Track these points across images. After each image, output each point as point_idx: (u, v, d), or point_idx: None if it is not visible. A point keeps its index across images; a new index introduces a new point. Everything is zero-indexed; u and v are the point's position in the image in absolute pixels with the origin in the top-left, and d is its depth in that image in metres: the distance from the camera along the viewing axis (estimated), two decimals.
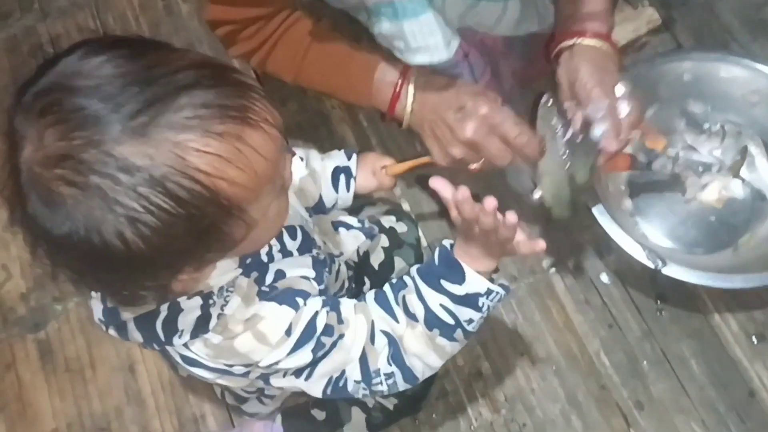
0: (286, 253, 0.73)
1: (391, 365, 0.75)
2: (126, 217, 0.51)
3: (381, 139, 1.30)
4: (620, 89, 0.88)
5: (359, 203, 1.15)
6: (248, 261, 0.69)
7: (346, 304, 0.76)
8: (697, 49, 1.20)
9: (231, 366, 0.69)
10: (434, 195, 0.85)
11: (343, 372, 0.74)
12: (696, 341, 1.11)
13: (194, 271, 0.60)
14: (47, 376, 1.23)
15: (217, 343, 0.67)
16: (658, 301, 1.14)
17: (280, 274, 0.71)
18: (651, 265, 1.01)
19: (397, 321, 0.75)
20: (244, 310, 0.67)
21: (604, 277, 1.16)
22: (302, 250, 0.76)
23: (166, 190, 0.51)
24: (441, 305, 0.73)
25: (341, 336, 0.73)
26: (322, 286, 0.76)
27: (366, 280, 1.07)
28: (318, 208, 0.92)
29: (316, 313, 0.71)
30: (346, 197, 1.00)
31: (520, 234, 0.74)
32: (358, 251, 1.06)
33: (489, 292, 0.74)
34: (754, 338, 1.10)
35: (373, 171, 1.00)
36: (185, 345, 0.67)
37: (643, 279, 1.15)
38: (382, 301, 0.77)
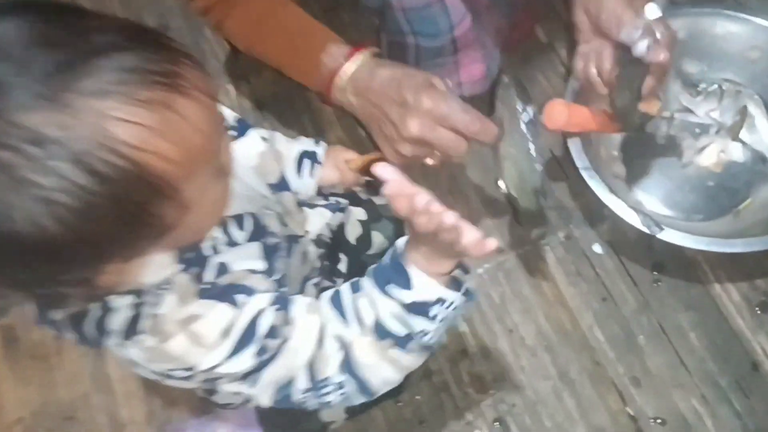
0: (232, 244, 0.66)
1: (342, 374, 0.66)
2: (39, 198, 0.44)
3: None
4: (652, 10, 0.85)
5: None
6: (189, 256, 0.61)
7: (298, 303, 0.67)
8: (691, 4, 1.13)
9: (171, 370, 0.62)
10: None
11: (290, 379, 0.66)
12: (695, 312, 1.04)
13: (123, 262, 0.52)
14: (11, 364, 1.16)
15: (151, 346, 0.60)
16: (655, 272, 1.07)
17: (223, 269, 0.64)
18: (647, 231, 0.95)
19: (349, 327, 0.66)
20: (179, 309, 0.60)
21: (597, 248, 1.10)
22: (252, 239, 0.68)
23: (85, 166, 0.44)
24: (391, 313, 0.64)
25: (287, 339, 0.65)
26: (277, 276, 0.68)
27: (342, 256, 1.01)
28: (281, 186, 0.83)
29: (260, 311, 0.62)
30: (308, 184, 0.91)
31: (470, 233, 0.61)
32: (330, 227, 0.99)
33: (441, 300, 0.64)
34: (757, 308, 1.04)
35: (336, 164, 0.92)
36: (121, 347, 0.61)
37: (639, 248, 1.08)
38: (336, 303, 0.67)
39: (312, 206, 0.89)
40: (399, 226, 1.06)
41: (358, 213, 1.02)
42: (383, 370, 0.66)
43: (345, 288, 0.68)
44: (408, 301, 0.63)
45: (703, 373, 1.01)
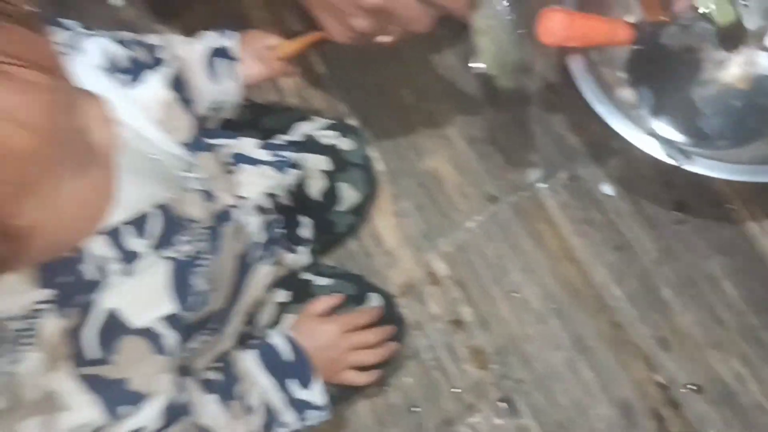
0: (129, 259, 0.49)
1: None
2: None
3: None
4: None
5: (289, 119, 0.90)
6: (64, 279, 0.44)
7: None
8: None
9: None
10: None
11: None
12: (729, 257, 0.89)
13: None
14: None
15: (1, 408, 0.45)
16: (677, 212, 0.91)
17: (114, 323, 0.48)
18: (671, 162, 0.78)
19: (228, 417, 0.64)
20: (43, 376, 0.45)
21: (606, 188, 0.93)
22: (160, 245, 0.51)
23: None
24: (275, 400, 0.69)
25: None
26: (193, 307, 0.54)
27: (303, 219, 0.84)
28: (197, 144, 0.62)
29: (143, 429, 0.52)
30: (232, 90, 0.75)
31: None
32: (284, 188, 0.81)
33: (322, 407, 0.72)
34: None
35: (258, 54, 0.76)
36: None
37: (656, 185, 0.92)
38: (220, 392, 0.64)
39: (253, 162, 0.70)
40: (369, 172, 0.89)
41: (320, 162, 0.84)
42: None
43: (226, 374, 0.66)
44: (298, 397, 0.70)
45: (743, 329, 0.86)
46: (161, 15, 1.09)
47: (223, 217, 0.62)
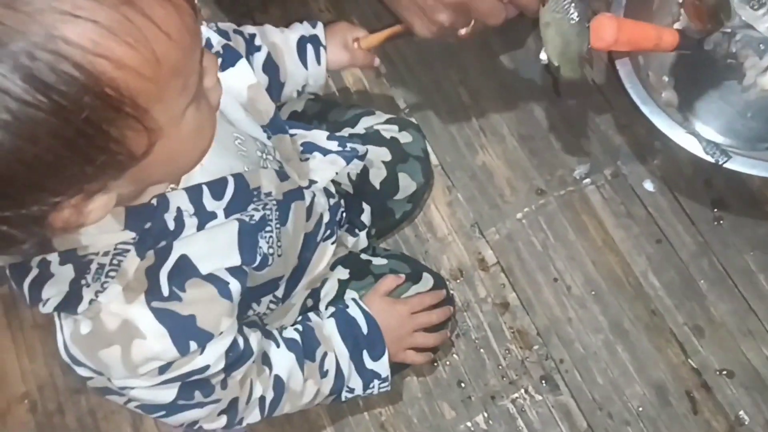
0: (204, 216, 0.55)
1: (258, 414, 0.70)
2: None
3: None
4: None
5: (354, 113, 0.98)
6: (148, 226, 0.51)
7: (251, 359, 0.66)
8: None
9: (89, 369, 0.56)
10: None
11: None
12: (763, 253, 0.93)
13: (82, 200, 0.41)
14: (14, 335, 1.08)
15: (86, 333, 0.53)
16: (716, 209, 0.96)
17: (185, 267, 0.54)
18: (711, 160, 0.83)
19: (304, 376, 0.73)
20: (122, 305, 0.52)
21: (648, 185, 0.98)
22: (232, 209, 0.58)
23: (20, 71, 0.34)
24: (349, 369, 0.77)
25: (217, 401, 0.63)
26: (256, 263, 0.60)
27: (364, 206, 0.91)
28: (276, 127, 0.69)
29: (206, 366, 0.58)
30: (317, 73, 0.84)
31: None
32: (349, 176, 0.89)
33: (386, 378, 0.80)
34: None
35: (344, 43, 0.85)
36: (55, 315, 0.54)
37: (696, 183, 0.97)
38: (296, 351, 0.73)
39: (325, 152, 0.78)
40: (426, 164, 0.96)
41: (382, 153, 0.92)
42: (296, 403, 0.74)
43: (299, 337, 0.74)
44: (369, 368, 0.78)
45: None
46: (236, 15, 1.18)
47: (294, 195, 0.69)
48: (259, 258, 0.59)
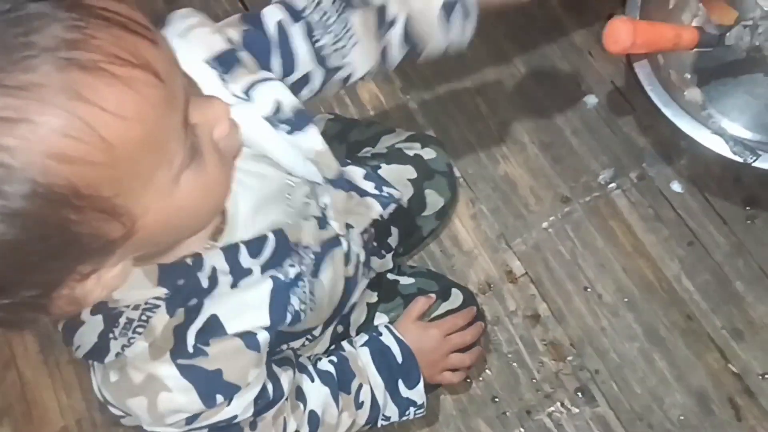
0: (239, 274, 0.54)
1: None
2: None
3: None
4: None
5: (374, 132, 0.97)
6: (181, 282, 0.51)
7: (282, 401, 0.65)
8: None
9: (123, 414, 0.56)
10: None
11: None
12: None
13: (76, 283, 0.40)
14: (50, 370, 1.09)
15: (114, 381, 0.53)
16: (748, 207, 0.93)
17: (214, 325, 0.53)
18: (738, 159, 0.81)
19: (339, 409, 0.72)
20: (147, 362, 0.52)
21: (676, 186, 0.96)
22: (269, 265, 0.57)
23: None
24: (384, 399, 0.77)
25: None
26: (287, 322, 0.59)
27: (392, 229, 0.90)
28: (338, 182, 0.65)
29: (234, 417, 0.58)
30: (461, 42, 0.69)
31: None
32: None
33: (422, 405, 0.80)
34: None
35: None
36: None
37: (726, 182, 0.94)
38: (331, 385, 0.73)
39: (362, 194, 0.73)
40: (452, 179, 0.95)
41: (407, 171, 0.91)
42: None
43: (333, 369, 0.74)
44: (405, 396, 0.79)
45: None
46: None
47: (332, 243, 0.66)
48: (290, 316, 0.58)
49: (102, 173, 0.35)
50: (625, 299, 0.92)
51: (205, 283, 0.52)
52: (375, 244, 0.83)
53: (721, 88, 0.96)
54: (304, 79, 0.65)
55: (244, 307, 0.55)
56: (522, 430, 0.90)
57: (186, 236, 0.49)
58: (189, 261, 0.51)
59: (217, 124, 0.45)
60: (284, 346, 0.70)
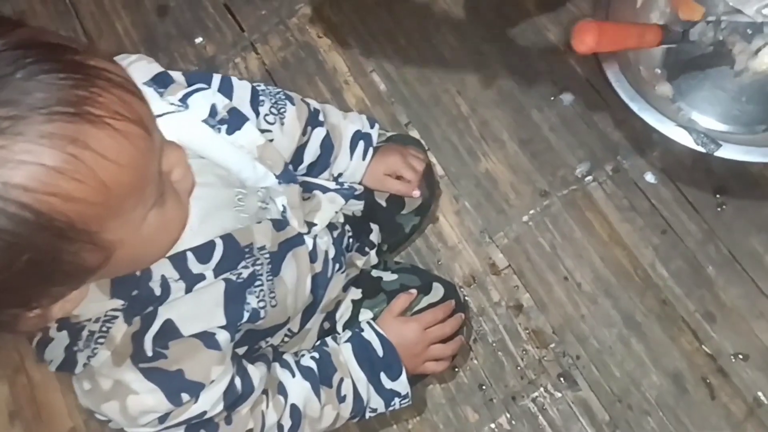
0: (191, 280, 0.59)
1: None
2: None
3: (378, 65, 1.15)
4: None
5: None
6: (135, 293, 0.55)
7: (253, 395, 0.68)
8: None
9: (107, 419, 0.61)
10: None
11: None
12: None
13: (47, 304, 0.46)
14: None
15: (87, 390, 0.58)
16: (718, 195, 0.97)
17: (170, 329, 0.58)
18: (702, 150, 0.85)
19: (321, 403, 0.75)
20: (112, 369, 0.56)
21: (650, 177, 1.00)
22: (222, 269, 0.61)
23: None
24: (368, 392, 0.80)
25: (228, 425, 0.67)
26: (243, 320, 0.63)
27: (372, 226, 0.94)
28: (287, 175, 0.71)
29: (203, 413, 0.62)
30: (358, 167, 0.88)
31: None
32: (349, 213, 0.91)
33: (406, 395, 0.83)
34: None
35: (388, 170, 0.91)
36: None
37: (697, 172, 0.98)
38: (312, 379, 0.76)
39: (324, 190, 0.80)
40: (430, 177, 0.99)
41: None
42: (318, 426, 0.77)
43: (314, 364, 0.77)
44: (388, 387, 0.81)
45: None
46: (240, 49, 1.23)
47: (293, 242, 0.70)
48: (247, 314, 0.62)
49: (96, 211, 0.42)
50: (603, 287, 0.96)
51: (157, 291, 0.56)
52: (352, 240, 0.87)
53: (691, 81, 1.00)
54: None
55: (198, 310, 0.59)
56: (508, 415, 0.94)
57: (148, 264, 0.55)
58: (138, 272, 0.55)
59: (176, 167, 0.51)
60: (262, 343, 0.74)
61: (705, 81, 1.00)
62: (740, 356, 0.90)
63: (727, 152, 0.85)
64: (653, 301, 0.94)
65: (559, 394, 0.94)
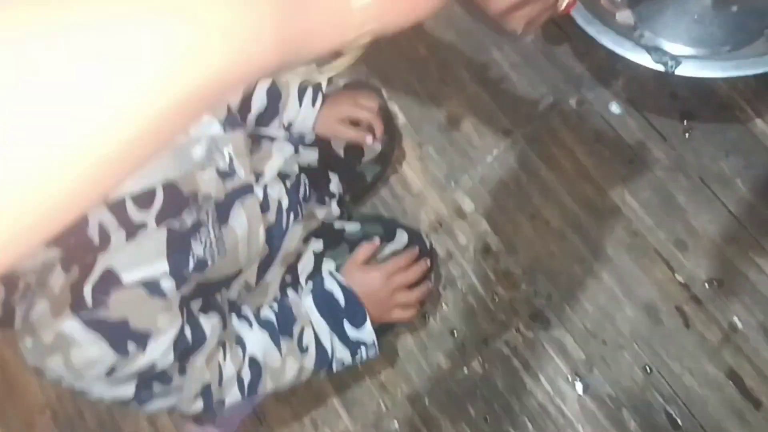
0: (131, 227, 0.55)
1: (238, 394, 0.70)
2: None
3: None
4: None
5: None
6: (71, 240, 0.52)
7: (205, 344, 0.65)
8: None
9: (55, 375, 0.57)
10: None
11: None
12: (738, 156, 0.91)
13: None
14: None
15: (30, 347, 0.54)
16: (685, 121, 0.94)
17: (110, 278, 0.54)
18: (661, 68, 0.81)
19: (281, 354, 0.73)
20: (52, 321, 0.52)
21: (615, 107, 0.97)
22: (164, 216, 0.58)
23: None
24: (331, 342, 0.77)
25: (179, 387, 0.63)
26: (189, 267, 0.60)
27: (331, 175, 0.91)
28: (231, 120, 0.69)
29: (152, 362, 0.59)
30: (308, 114, 0.84)
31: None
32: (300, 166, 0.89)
33: (372, 344, 0.79)
34: None
35: (339, 117, 0.87)
36: None
37: (662, 98, 0.95)
38: (270, 330, 0.73)
39: (271, 139, 0.78)
40: (390, 124, 0.96)
41: None
42: (281, 380, 0.74)
43: (273, 316, 0.74)
44: (354, 337, 0.78)
45: (758, 221, 0.88)
46: None
47: (241, 192, 0.68)
48: (192, 262, 0.60)
49: None
50: (572, 222, 0.94)
51: (96, 240, 0.53)
52: (310, 190, 0.85)
53: (652, 6, 0.96)
54: None
55: (140, 258, 0.56)
56: (480, 359, 0.92)
57: None
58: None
59: None
60: (218, 297, 0.71)
61: (667, 5, 0.96)
62: (714, 282, 0.88)
63: (687, 69, 0.82)
64: (623, 233, 0.92)
65: (532, 335, 0.91)
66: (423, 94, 1.04)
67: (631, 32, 0.95)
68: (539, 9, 0.61)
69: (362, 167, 0.95)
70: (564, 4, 0.61)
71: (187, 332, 0.63)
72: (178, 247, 0.59)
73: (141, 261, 0.57)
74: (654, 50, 0.83)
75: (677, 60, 0.81)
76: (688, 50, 0.93)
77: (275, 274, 0.82)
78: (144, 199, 0.56)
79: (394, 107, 1.03)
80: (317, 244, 0.87)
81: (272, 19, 0.26)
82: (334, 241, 0.88)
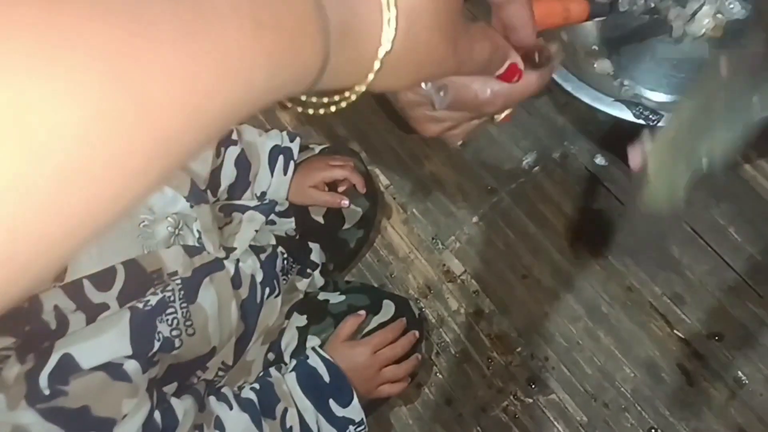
0: (91, 310, 0.53)
1: None
2: None
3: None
4: None
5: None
6: (27, 328, 0.50)
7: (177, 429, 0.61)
8: None
9: None
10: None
11: None
12: (729, 204, 0.89)
13: None
14: None
15: None
16: None
17: (68, 364, 0.52)
18: (643, 123, 0.80)
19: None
20: (8, 414, 0.50)
21: (600, 159, 0.95)
22: (126, 297, 0.55)
23: None
24: (317, 422, 0.73)
25: None
26: (154, 349, 0.57)
27: (311, 245, 0.89)
28: (195, 195, 0.66)
29: None
30: (281, 182, 0.82)
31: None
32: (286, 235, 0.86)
33: (361, 422, 0.76)
34: None
35: (314, 183, 0.85)
36: None
37: None
38: (252, 411, 0.69)
39: (243, 209, 0.76)
40: (370, 187, 0.94)
41: None
42: None
43: (254, 396, 0.70)
44: (340, 415, 0.74)
45: (754, 270, 0.86)
46: None
47: (211, 267, 0.66)
48: (158, 343, 0.57)
49: None
50: (563, 280, 0.91)
51: (53, 324, 0.51)
52: (288, 262, 0.82)
53: (630, 55, 0.95)
54: None
55: (101, 341, 0.54)
56: (479, 428, 0.88)
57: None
58: (25, 304, 0.50)
59: None
60: (194, 379, 0.68)
61: (645, 53, 0.95)
62: (715, 337, 0.84)
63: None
64: (617, 288, 0.89)
65: (530, 400, 0.88)
66: (403, 154, 1.02)
67: (610, 81, 0.93)
68: (474, 126, 0.58)
69: (344, 233, 0.93)
70: (501, 117, 0.55)
71: (157, 417, 0.60)
72: (141, 329, 0.57)
73: (101, 345, 0.54)
74: (634, 105, 0.81)
75: (658, 114, 0.79)
76: (669, 97, 0.92)
77: (257, 352, 0.79)
78: (103, 280, 0.55)
79: (375, 169, 1.00)
80: (300, 319, 0.84)
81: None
82: (318, 314, 0.85)
